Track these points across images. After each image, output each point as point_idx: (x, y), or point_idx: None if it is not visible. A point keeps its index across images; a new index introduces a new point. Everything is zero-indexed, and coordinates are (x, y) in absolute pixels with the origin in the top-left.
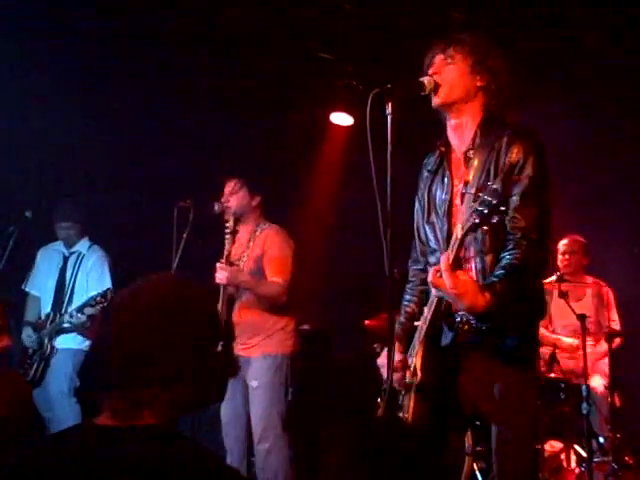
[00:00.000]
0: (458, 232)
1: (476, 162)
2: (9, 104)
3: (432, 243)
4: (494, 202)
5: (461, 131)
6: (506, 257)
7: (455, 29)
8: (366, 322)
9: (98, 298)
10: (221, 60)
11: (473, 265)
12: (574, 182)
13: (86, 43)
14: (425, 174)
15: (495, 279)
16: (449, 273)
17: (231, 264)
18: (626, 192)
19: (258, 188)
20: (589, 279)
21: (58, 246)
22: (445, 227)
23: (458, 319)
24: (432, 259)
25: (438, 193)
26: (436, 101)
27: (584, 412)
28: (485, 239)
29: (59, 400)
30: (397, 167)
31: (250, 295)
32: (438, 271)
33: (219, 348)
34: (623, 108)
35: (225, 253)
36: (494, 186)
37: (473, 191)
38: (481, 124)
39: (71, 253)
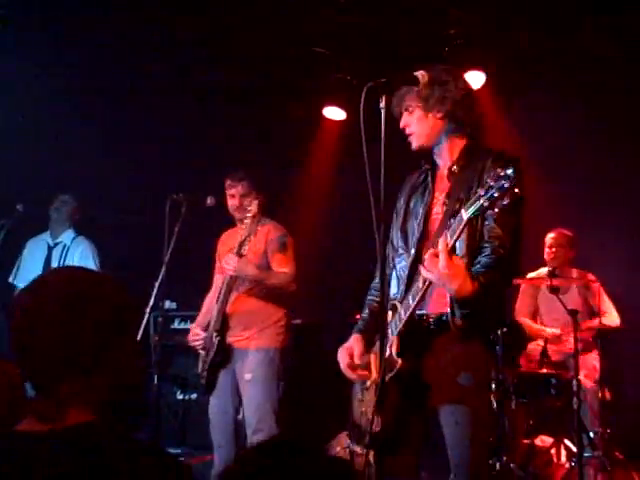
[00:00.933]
0: (463, 215)
1: (459, 177)
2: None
3: (401, 248)
4: (506, 185)
5: (445, 154)
6: (484, 258)
7: (452, 26)
8: (357, 316)
9: None
10: (214, 55)
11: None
12: (571, 178)
13: (84, 40)
14: (406, 189)
15: (481, 270)
16: (446, 255)
17: (241, 255)
18: (622, 188)
19: (262, 187)
20: (574, 272)
21: (45, 236)
22: (420, 230)
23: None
24: (397, 260)
25: (418, 204)
26: (414, 146)
27: (574, 407)
28: (462, 244)
29: None
30: (391, 161)
31: (247, 288)
32: (436, 255)
33: (215, 339)
34: (621, 105)
35: (240, 239)
36: (499, 171)
37: (454, 202)
38: (465, 148)
39: (56, 244)
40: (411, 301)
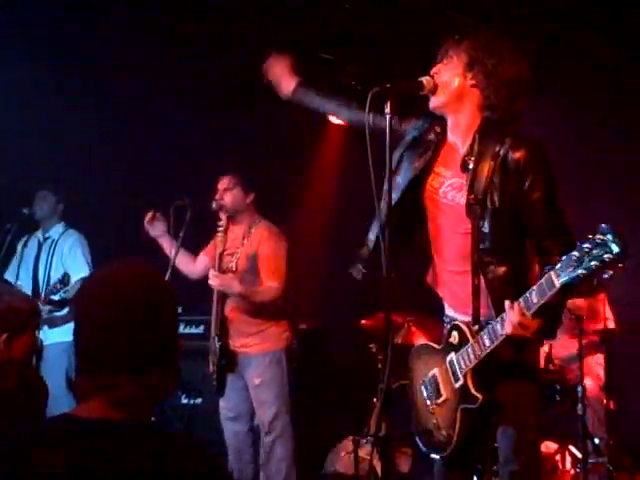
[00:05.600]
0: (555, 282)
1: (477, 170)
2: (9, 102)
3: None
4: (607, 258)
5: (459, 130)
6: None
7: (456, 31)
8: (362, 322)
9: (58, 285)
10: (219, 58)
11: (482, 277)
12: (572, 180)
13: (85, 40)
14: (408, 138)
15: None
16: (522, 328)
17: (224, 271)
18: (625, 190)
19: (252, 185)
20: None
21: (38, 233)
22: (397, 198)
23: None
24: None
25: (405, 166)
26: (432, 102)
27: (579, 413)
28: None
29: (58, 397)
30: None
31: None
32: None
33: (217, 344)
34: (622, 107)
35: (218, 252)
36: (601, 237)
37: (478, 201)
38: (479, 129)
39: (45, 239)
40: (488, 343)
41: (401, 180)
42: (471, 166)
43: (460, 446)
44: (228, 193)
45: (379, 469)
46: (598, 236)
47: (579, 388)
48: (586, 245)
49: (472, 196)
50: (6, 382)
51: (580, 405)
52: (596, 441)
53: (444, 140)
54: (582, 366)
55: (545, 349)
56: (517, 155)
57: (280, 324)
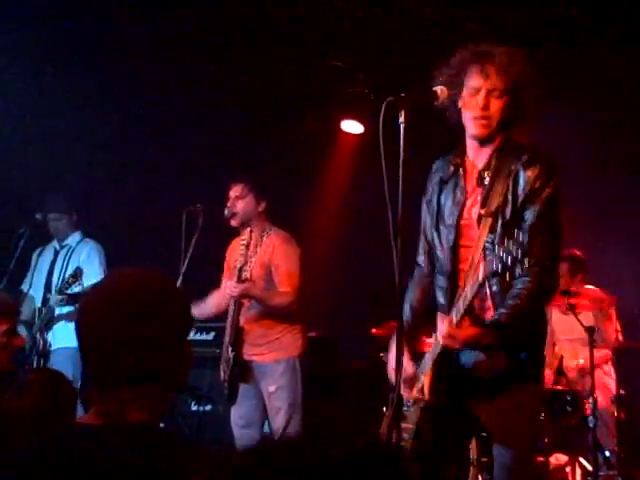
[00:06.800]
0: (480, 275)
1: (492, 185)
2: (21, 106)
3: (438, 250)
4: (518, 256)
5: (481, 149)
6: (518, 285)
7: (468, 39)
8: (373, 330)
9: (70, 279)
10: (234, 66)
11: (487, 290)
12: (580, 195)
13: (94, 42)
14: (436, 179)
15: (504, 311)
16: (454, 340)
17: (240, 277)
18: (630, 206)
19: (264, 193)
20: (588, 287)
21: (53, 243)
22: (452, 237)
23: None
24: (437, 265)
25: (448, 203)
26: (481, 132)
27: (590, 425)
28: None
29: None
30: (408, 176)
31: (256, 303)
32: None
33: (230, 353)
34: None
35: (238, 265)
36: (520, 238)
37: (490, 214)
38: (498, 148)
39: (62, 247)
40: (439, 337)
41: (451, 226)
42: (487, 181)
43: (417, 450)
44: (240, 201)
45: None
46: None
47: (590, 400)
48: (511, 247)
49: (485, 209)
50: (28, 399)
51: (591, 417)
52: (607, 454)
53: (464, 164)
54: (593, 378)
55: (555, 360)
56: (530, 172)
57: (294, 332)
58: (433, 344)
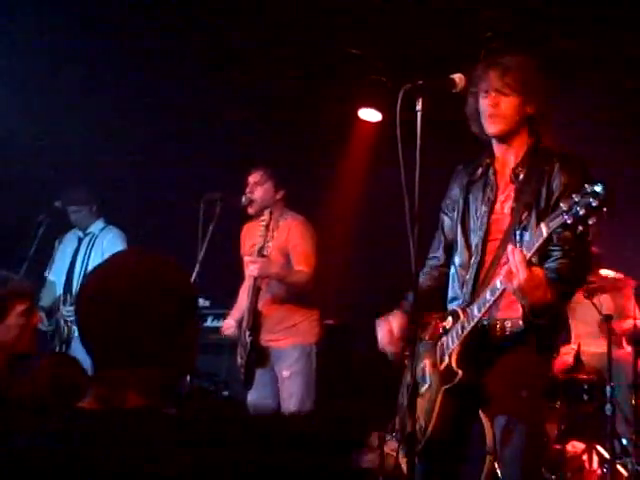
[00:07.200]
0: (544, 230)
1: (526, 180)
2: (40, 102)
3: (460, 246)
4: (594, 204)
5: (511, 149)
6: (557, 264)
7: (485, 27)
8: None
9: None
10: (250, 54)
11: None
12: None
13: (102, 33)
14: (462, 181)
15: (554, 277)
16: (524, 266)
17: (262, 255)
18: None
19: (283, 182)
20: (604, 272)
21: (76, 230)
22: (481, 234)
23: (498, 325)
24: (457, 259)
25: (477, 202)
26: (494, 131)
27: (607, 413)
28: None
29: None
30: (426, 164)
31: (274, 287)
32: (515, 266)
33: (247, 338)
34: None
35: (257, 247)
36: (586, 187)
37: (525, 205)
38: (530, 149)
39: (85, 235)
40: (476, 312)
41: (479, 222)
42: (521, 177)
43: (435, 434)
44: (259, 187)
45: (404, 466)
46: (586, 187)
47: (607, 388)
48: (575, 196)
49: (519, 202)
50: (35, 383)
51: (609, 405)
52: (624, 441)
53: (493, 164)
54: (610, 365)
55: (573, 346)
56: (564, 170)
57: (311, 319)
58: (459, 322)
